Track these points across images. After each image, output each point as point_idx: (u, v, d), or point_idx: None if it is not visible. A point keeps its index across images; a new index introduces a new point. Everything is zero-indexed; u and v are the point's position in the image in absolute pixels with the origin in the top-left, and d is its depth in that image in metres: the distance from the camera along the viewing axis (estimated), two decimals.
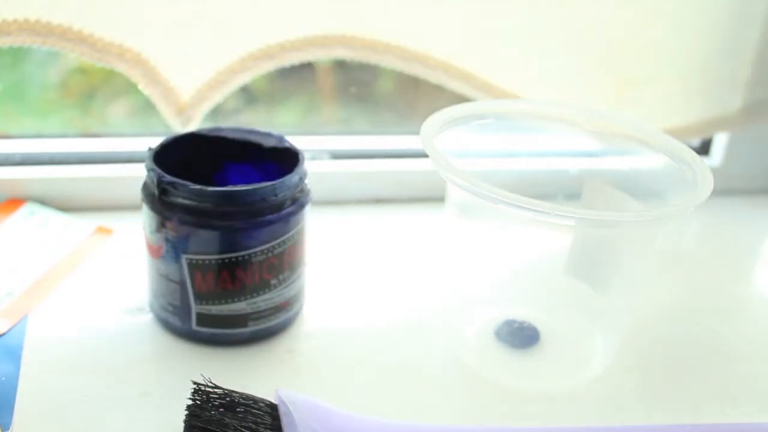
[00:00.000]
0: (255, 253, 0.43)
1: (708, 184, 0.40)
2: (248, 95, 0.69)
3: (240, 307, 0.44)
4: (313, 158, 0.64)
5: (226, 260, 0.43)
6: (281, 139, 0.48)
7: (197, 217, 0.42)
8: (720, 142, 0.71)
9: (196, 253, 0.43)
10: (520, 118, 0.48)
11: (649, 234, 0.42)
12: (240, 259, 0.43)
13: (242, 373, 0.44)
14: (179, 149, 0.47)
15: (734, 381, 0.47)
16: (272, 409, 0.37)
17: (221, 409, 0.36)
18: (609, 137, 0.48)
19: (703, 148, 0.71)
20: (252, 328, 0.45)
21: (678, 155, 0.44)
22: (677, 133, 0.61)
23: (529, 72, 0.61)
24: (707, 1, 0.61)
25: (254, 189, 0.42)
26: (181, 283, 0.44)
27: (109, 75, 0.64)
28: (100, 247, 0.54)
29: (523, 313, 0.45)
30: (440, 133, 0.43)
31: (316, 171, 0.51)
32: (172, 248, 0.43)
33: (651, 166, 0.45)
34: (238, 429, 0.35)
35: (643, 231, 0.42)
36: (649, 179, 0.45)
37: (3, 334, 0.45)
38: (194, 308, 0.44)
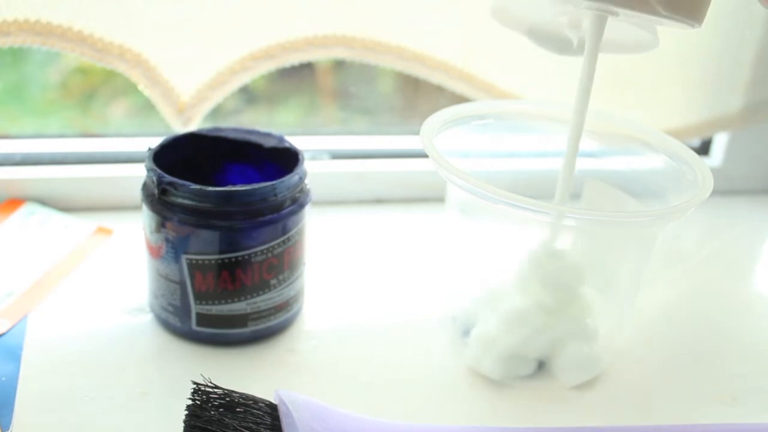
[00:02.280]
0: (255, 253, 0.43)
1: (708, 184, 0.40)
2: (248, 95, 0.69)
3: (240, 307, 0.44)
4: (313, 158, 0.64)
5: (226, 260, 0.43)
6: (281, 139, 0.48)
7: (197, 217, 0.42)
8: (720, 142, 0.71)
9: (196, 253, 0.43)
10: (520, 118, 0.48)
11: (649, 234, 0.42)
12: (240, 259, 0.43)
13: (242, 373, 0.44)
14: (179, 149, 0.47)
15: (734, 381, 0.47)
16: (272, 409, 0.37)
17: (221, 409, 0.36)
18: (609, 137, 0.48)
19: (703, 148, 0.72)
20: (252, 328, 0.45)
21: (678, 155, 0.44)
22: (677, 134, 0.61)
23: (529, 72, 0.61)
24: None
25: (254, 189, 0.42)
26: (181, 283, 0.44)
27: (109, 75, 0.64)
28: (100, 247, 0.54)
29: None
30: (440, 133, 0.43)
31: (316, 171, 0.51)
32: (172, 248, 0.43)
33: (651, 166, 0.45)
34: (238, 429, 0.35)
35: (643, 231, 0.42)
36: (649, 179, 0.45)
37: (3, 334, 0.45)
38: (194, 308, 0.44)
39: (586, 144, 0.48)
